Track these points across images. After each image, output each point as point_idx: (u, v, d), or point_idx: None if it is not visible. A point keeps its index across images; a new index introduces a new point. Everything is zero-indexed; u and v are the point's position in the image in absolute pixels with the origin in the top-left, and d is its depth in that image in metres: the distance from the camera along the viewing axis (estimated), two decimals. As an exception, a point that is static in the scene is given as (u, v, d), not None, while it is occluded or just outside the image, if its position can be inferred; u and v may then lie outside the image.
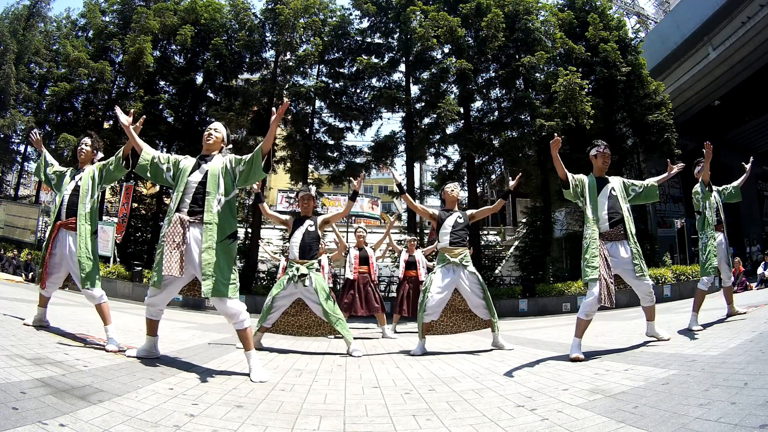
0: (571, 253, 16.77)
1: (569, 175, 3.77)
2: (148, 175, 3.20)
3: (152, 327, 3.12)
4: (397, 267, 8.06)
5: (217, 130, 3.26)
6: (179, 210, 2.99)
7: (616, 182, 3.76)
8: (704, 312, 4.57)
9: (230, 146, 3.34)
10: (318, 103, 17.79)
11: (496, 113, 17.30)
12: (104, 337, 3.45)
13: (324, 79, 17.70)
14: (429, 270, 7.24)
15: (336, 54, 17.87)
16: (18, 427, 1.56)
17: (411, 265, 7.34)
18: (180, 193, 3.02)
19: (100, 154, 3.84)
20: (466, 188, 16.69)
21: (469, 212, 4.59)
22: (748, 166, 4.95)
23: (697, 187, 4.69)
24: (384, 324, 6.45)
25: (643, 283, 3.56)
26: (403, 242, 16.55)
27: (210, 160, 3.12)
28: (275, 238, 17.82)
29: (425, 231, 18.97)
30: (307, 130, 17.47)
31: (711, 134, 22.79)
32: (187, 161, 3.16)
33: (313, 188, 4.81)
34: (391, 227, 7.09)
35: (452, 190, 4.59)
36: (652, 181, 3.88)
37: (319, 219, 4.48)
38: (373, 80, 17.59)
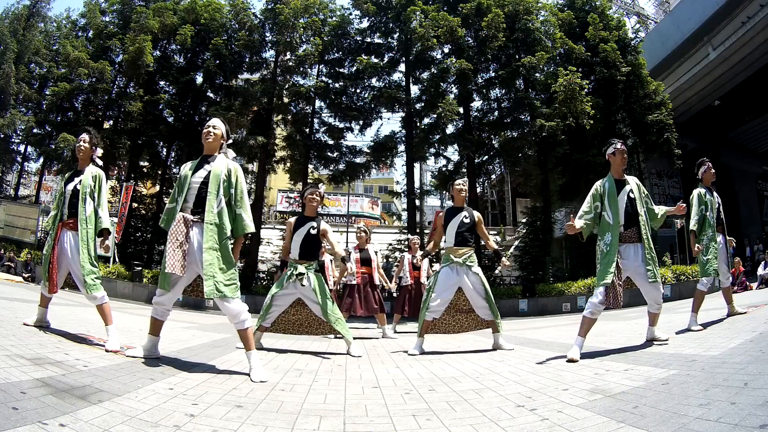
0: (571, 253, 16.76)
1: (583, 222, 3.65)
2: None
3: (156, 326, 3.12)
4: (397, 266, 8.05)
5: (216, 127, 3.21)
6: (183, 209, 3.02)
7: (633, 184, 3.70)
8: (704, 312, 4.58)
9: (230, 142, 3.34)
10: (318, 103, 17.81)
11: (496, 113, 17.31)
12: (104, 337, 3.46)
13: (324, 79, 17.70)
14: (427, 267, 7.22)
15: (336, 54, 17.87)
16: (18, 427, 1.56)
17: (414, 266, 7.34)
18: (184, 193, 3.04)
19: (100, 151, 3.81)
20: (466, 188, 16.73)
21: (476, 214, 4.52)
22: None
23: (701, 190, 4.66)
24: (384, 324, 6.45)
25: (654, 289, 3.53)
26: (403, 242, 16.60)
27: (213, 161, 3.13)
28: (275, 239, 17.83)
29: (425, 231, 19.00)
30: (307, 130, 17.46)
31: (711, 134, 22.83)
32: (189, 165, 3.17)
33: (322, 187, 4.70)
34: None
35: (462, 187, 4.50)
36: (663, 211, 3.77)
37: (322, 225, 4.45)
38: (373, 80, 17.60)
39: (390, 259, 17.03)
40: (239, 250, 3.16)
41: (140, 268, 13.41)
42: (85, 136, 3.73)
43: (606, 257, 3.50)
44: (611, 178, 3.71)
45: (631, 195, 3.63)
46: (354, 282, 6.52)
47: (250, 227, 3.13)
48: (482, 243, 4.74)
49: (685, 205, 3.87)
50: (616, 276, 3.41)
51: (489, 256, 18.15)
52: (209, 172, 3.05)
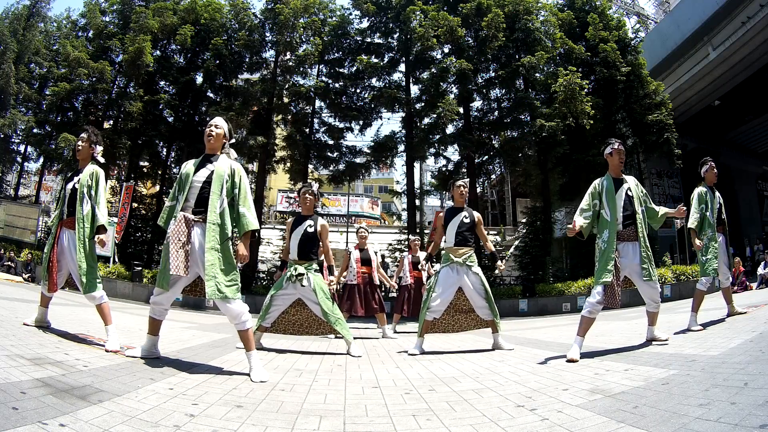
0: (571, 253, 16.75)
1: (584, 220, 3.62)
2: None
3: (155, 326, 3.11)
4: (397, 266, 8.05)
5: (219, 126, 3.20)
6: (184, 209, 2.99)
7: (632, 183, 3.71)
8: (704, 312, 4.58)
9: (233, 141, 3.32)
10: (318, 103, 17.79)
11: (496, 113, 17.31)
12: (104, 337, 3.45)
13: (324, 79, 17.69)
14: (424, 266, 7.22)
15: (336, 54, 17.86)
16: (18, 427, 1.56)
17: (414, 266, 7.35)
18: (185, 192, 3.02)
19: (99, 148, 3.79)
20: (466, 188, 16.74)
21: (476, 215, 4.52)
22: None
23: (702, 189, 4.66)
24: (384, 324, 6.45)
25: (650, 287, 3.54)
26: (403, 242, 16.58)
27: (216, 160, 3.11)
28: (275, 238, 17.83)
29: (425, 231, 18.99)
30: (307, 130, 17.46)
31: (711, 134, 22.83)
32: (190, 164, 3.15)
33: (315, 185, 4.71)
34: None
35: (463, 188, 4.51)
36: (663, 211, 3.74)
37: (320, 222, 4.44)
38: (373, 80, 17.59)
39: (387, 259, 17.02)
40: (248, 245, 3.10)
41: (140, 268, 13.40)
42: (83, 135, 3.72)
43: (604, 255, 3.51)
44: (609, 177, 3.73)
45: (629, 193, 3.65)
46: (354, 282, 6.52)
47: (254, 224, 3.10)
48: (481, 243, 4.74)
49: (685, 208, 3.87)
50: (614, 275, 3.42)
51: (489, 256, 18.17)
52: (212, 171, 3.03)
